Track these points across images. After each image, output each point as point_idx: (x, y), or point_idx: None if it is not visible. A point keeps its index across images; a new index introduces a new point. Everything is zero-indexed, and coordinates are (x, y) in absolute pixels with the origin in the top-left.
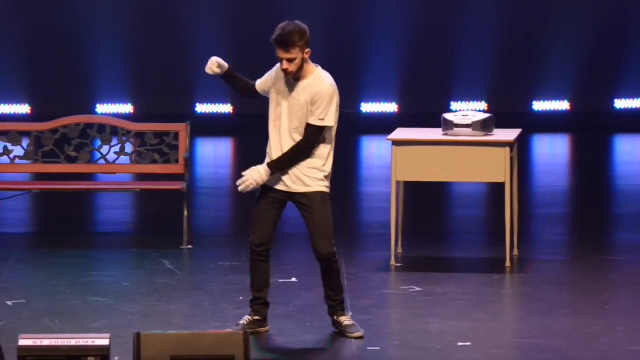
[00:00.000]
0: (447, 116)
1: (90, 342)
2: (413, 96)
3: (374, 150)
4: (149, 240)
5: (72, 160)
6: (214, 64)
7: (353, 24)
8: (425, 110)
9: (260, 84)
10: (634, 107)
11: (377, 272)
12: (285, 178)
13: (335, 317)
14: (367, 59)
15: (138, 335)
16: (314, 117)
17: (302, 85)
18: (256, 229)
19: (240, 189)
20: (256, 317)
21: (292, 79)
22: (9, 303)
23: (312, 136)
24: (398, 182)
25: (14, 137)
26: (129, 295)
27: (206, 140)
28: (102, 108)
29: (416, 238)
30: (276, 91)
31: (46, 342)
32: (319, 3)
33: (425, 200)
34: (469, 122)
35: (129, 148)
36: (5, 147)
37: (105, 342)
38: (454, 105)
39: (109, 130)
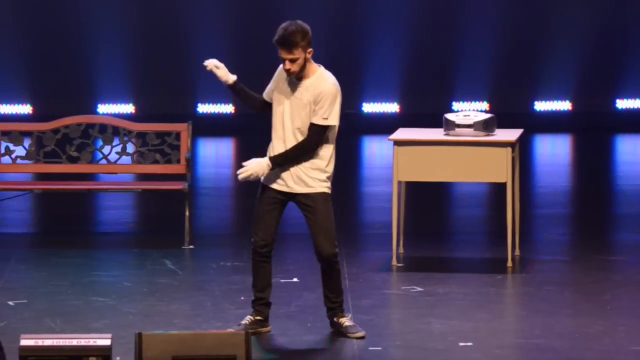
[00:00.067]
0: (449, 116)
1: (91, 342)
2: (414, 96)
3: (376, 150)
4: (151, 240)
5: (73, 160)
6: (213, 62)
7: (354, 24)
8: (426, 110)
9: (266, 93)
10: (635, 107)
11: (379, 272)
12: (287, 179)
13: (335, 319)
14: (368, 59)
15: (139, 335)
16: (317, 117)
17: (305, 84)
18: (259, 230)
19: (240, 177)
20: (258, 317)
21: (295, 79)
22: (11, 303)
23: (316, 136)
24: (399, 182)
25: (16, 137)
26: (130, 295)
27: (208, 140)
28: (103, 108)
29: (418, 238)
30: (279, 91)
31: (48, 342)
32: (321, 3)
33: (427, 201)
34: (470, 122)
35: (130, 148)
36: (7, 147)
37: (107, 342)
38: (455, 105)
39: (110, 130)
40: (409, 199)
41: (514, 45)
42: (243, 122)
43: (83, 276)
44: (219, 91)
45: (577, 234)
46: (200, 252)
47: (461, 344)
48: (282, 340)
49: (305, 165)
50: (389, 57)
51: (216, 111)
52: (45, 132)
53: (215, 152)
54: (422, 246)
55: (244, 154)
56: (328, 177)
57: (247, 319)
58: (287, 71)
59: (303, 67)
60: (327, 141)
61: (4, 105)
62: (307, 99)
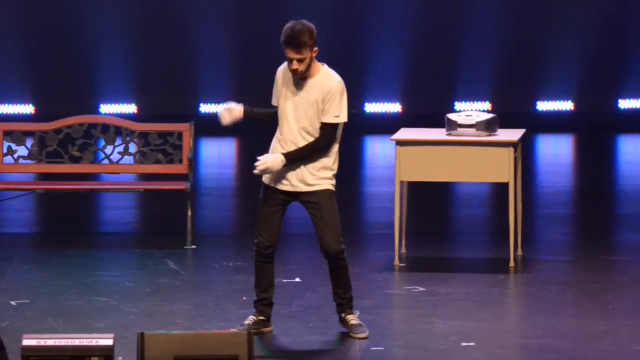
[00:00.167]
0: (451, 116)
1: (93, 342)
2: (417, 96)
3: (378, 150)
4: (153, 240)
5: (75, 160)
6: (226, 116)
7: (357, 24)
8: (428, 110)
9: (274, 101)
10: (637, 107)
11: (381, 272)
12: (291, 178)
13: (342, 315)
14: (370, 59)
15: (142, 335)
16: (328, 116)
17: (310, 83)
18: (263, 231)
19: (256, 170)
20: (261, 318)
21: (299, 78)
22: (13, 303)
23: (329, 134)
24: (402, 182)
25: (18, 137)
26: (132, 295)
27: (210, 140)
28: (105, 108)
29: (420, 238)
30: (284, 92)
31: (50, 342)
32: (323, 3)
33: (429, 200)
34: (472, 122)
35: (132, 148)
36: (9, 147)
37: (109, 342)
38: (457, 105)
39: (112, 130)
40: (411, 199)
41: (516, 45)
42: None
43: (85, 276)
44: (221, 91)
45: (579, 234)
46: (202, 252)
47: (463, 344)
48: (284, 340)
49: (312, 163)
50: (391, 57)
51: (218, 111)
52: (48, 132)
53: (217, 152)
54: (424, 246)
55: (246, 153)
56: (334, 175)
57: (250, 319)
58: (295, 71)
59: (308, 67)
60: (335, 139)
61: (6, 105)
62: (314, 97)
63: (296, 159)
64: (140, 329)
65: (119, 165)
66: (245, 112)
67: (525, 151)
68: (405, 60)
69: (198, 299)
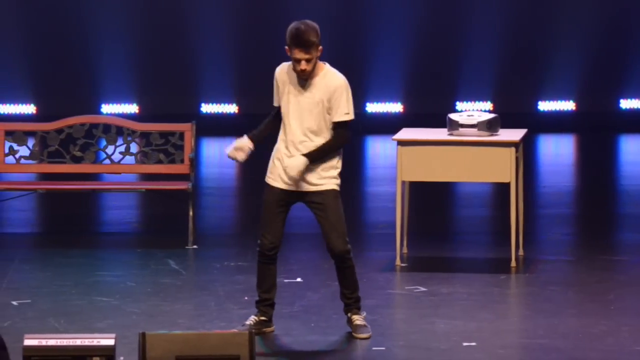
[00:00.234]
0: (453, 116)
1: (95, 342)
2: (418, 96)
3: (379, 150)
4: (154, 240)
5: (77, 160)
6: (238, 154)
7: (358, 24)
8: (430, 110)
9: (276, 101)
10: (639, 107)
11: (382, 272)
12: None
13: (349, 315)
14: (372, 59)
15: (143, 335)
16: (338, 114)
17: (314, 82)
18: (268, 233)
19: (291, 177)
20: (262, 318)
21: (303, 78)
22: (15, 303)
23: (345, 131)
24: (403, 182)
25: (20, 137)
26: (134, 295)
27: (211, 140)
28: (107, 108)
29: (421, 238)
30: (287, 93)
31: (51, 342)
32: (325, 3)
33: (431, 200)
34: (474, 122)
35: (134, 148)
36: (10, 147)
37: (111, 342)
38: (459, 105)
39: (114, 130)
40: (413, 199)
41: (517, 45)
42: (247, 122)
43: (87, 276)
44: (223, 91)
45: (580, 234)
46: (203, 252)
47: (465, 344)
48: (286, 340)
49: (318, 162)
50: (392, 57)
51: (220, 111)
52: (49, 132)
53: (219, 152)
54: (425, 246)
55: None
56: (339, 173)
57: (252, 319)
58: (303, 72)
59: (314, 66)
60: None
61: (7, 105)
62: (319, 97)
63: (320, 156)
64: (142, 329)
65: (121, 165)
66: (252, 141)
67: (526, 151)
68: (406, 60)
69: (199, 299)
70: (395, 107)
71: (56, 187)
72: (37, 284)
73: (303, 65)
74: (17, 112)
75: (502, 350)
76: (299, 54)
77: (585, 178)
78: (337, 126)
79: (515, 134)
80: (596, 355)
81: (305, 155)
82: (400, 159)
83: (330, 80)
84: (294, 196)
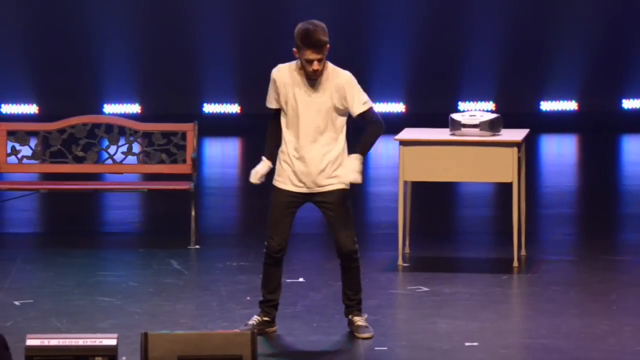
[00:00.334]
0: (455, 116)
1: (97, 342)
2: (420, 96)
3: (382, 150)
4: (157, 240)
5: (79, 160)
6: (260, 177)
7: (360, 24)
8: (432, 110)
9: (271, 102)
10: None
11: (385, 272)
12: (305, 180)
13: (350, 317)
14: (374, 59)
15: (145, 335)
16: (357, 106)
17: (321, 81)
18: (275, 235)
19: (355, 180)
20: (265, 318)
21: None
22: (17, 303)
23: (374, 117)
24: (405, 182)
25: (22, 137)
26: (136, 295)
27: (214, 140)
28: (109, 108)
29: (423, 238)
30: (291, 94)
31: (53, 342)
32: (327, 3)
33: (433, 200)
34: (476, 122)
35: (136, 148)
36: (13, 147)
37: (113, 342)
38: (461, 105)
39: (116, 130)
40: (415, 199)
41: (519, 45)
42: (249, 122)
43: (89, 276)
44: (225, 91)
45: (583, 234)
46: (206, 252)
47: (467, 344)
48: (288, 340)
49: (329, 161)
50: (394, 57)
51: (222, 111)
52: (51, 132)
53: (221, 152)
54: (428, 246)
55: (249, 153)
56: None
57: (255, 319)
58: (315, 72)
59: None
60: (342, 131)
61: (10, 105)
62: (328, 94)
63: (369, 148)
64: (144, 329)
65: (123, 165)
66: (269, 159)
67: (529, 151)
68: (409, 60)
69: (202, 299)
70: (398, 107)
71: (58, 187)
72: (40, 284)
73: (315, 66)
74: (20, 112)
75: (505, 351)
76: (311, 55)
77: (587, 178)
78: (363, 117)
79: (518, 134)
80: (598, 356)
81: (359, 152)
82: (403, 159)
83: (338, 77)
84: (303, 197)
